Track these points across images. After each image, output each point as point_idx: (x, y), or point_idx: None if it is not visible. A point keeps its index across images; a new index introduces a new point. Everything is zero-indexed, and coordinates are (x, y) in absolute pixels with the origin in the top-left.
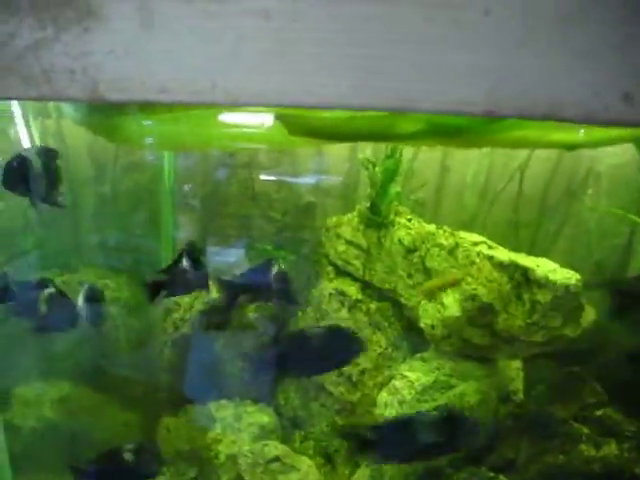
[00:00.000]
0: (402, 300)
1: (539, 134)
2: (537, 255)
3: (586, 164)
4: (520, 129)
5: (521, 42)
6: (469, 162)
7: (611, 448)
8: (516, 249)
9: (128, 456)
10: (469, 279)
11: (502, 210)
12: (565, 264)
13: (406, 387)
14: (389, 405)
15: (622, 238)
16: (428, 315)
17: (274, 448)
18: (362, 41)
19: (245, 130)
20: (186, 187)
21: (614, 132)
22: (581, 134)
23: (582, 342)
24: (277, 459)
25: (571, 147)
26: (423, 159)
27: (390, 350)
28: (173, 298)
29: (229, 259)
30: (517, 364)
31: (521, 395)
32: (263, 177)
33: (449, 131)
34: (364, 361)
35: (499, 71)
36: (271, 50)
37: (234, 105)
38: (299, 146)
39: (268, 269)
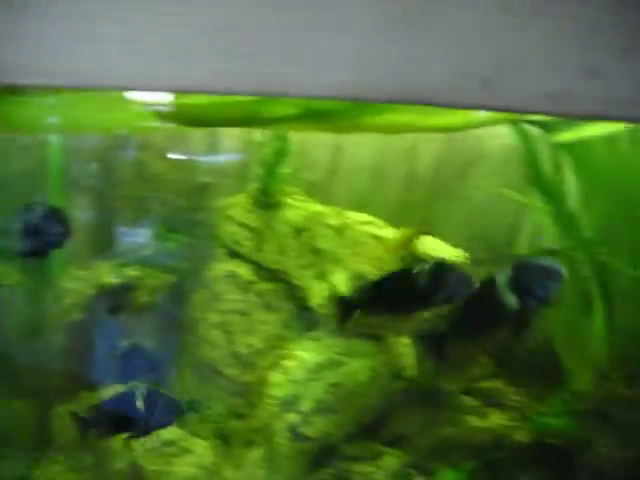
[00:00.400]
0: (293, 280)
1: (414, 118)
2: (429, 234)
3: (476, 144)
4: (395, 113)
5: (387, 28)
6: (362, 143)
7: (496, 418)
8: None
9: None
10: (356, 258)
11: (395, 190)
12: (455, 242)
13: (297, 367)
14: (281, 385)
15: (510, 217)
16: (318, 295)
17: (168, 432)
18: (233, 25)
19: (149, 110)
20: (79, 168)
21: (490, 114)
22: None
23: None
24: (172, 442)
25: (446, 130)
26: (316, 140)
27: (283, 330)
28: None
29: (125, 239)
30: (407, 340)
31: (412, 371)
32: (158, 158)
33: (323, 115)
34: (257, 342)
35: (367, 56)
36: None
37: (101, 89)
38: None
39: None
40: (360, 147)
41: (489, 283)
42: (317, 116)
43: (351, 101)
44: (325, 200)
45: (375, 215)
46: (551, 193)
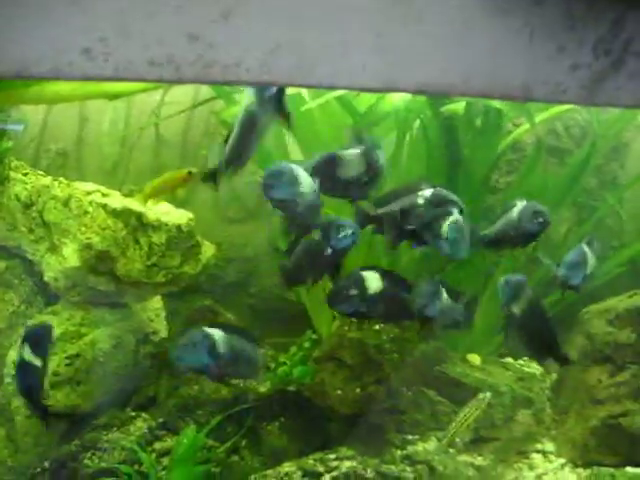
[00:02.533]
0: (28, 256)
1: (72, 87)
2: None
3: (215, 105)
4: (45, 84)
5: None
6: (105, 111)
7: None
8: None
9: None
10: (83, 228)
11: (143, 156)
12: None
13: None
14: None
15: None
16: (51, 268)
17: None
18: None
19: None
20: None
21: None
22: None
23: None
24: None
25: (114, 96)
26: (59, 111)
27: (24, 307)
28: None
29: None
30: (157, 304)
31: (163, 334)
32: None
33: None
34: None
35: None
36: None
37: None
38: None
39: None
40: (105, 114)
41: None
42: None
43: None
44: (76, 170)
45: (128, 180)
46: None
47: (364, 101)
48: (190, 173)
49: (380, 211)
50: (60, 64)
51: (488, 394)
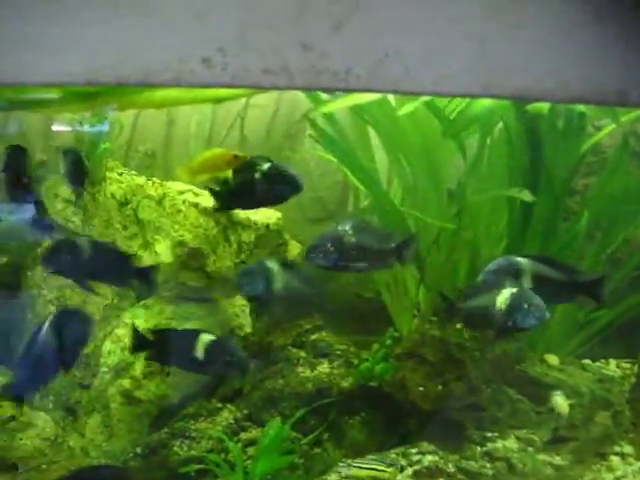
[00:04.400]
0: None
1: (179, 93)
2: None
3: (303, 107)
4: (156, 90)
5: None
6: (192, 113)
7: (324, 367)
8: None
9: None
10: (176, 226)
11: None
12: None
13: (128, 334)
14: (112, 353)
15: (340, 174)
16: (144, 263)
17: (8, 408)
18: None
19: None
20: None
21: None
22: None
23: None
24: (13, 418)
25: (218, 100)
26: (148, 114)
27: (117, 301)
28: None
29: None
30: (243, 300)
31: (247, 329)
32: None
33: (85, 97)
34: (93, 313)
35: (99, 42)
36: None
37: None
38: None
39: None
40: (190, 117)
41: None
42: (79, 98)
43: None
44: (163, 169)
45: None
46: (350, 155)
47: (450, 105)
48: (236, 157)
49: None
50: (182, 73)
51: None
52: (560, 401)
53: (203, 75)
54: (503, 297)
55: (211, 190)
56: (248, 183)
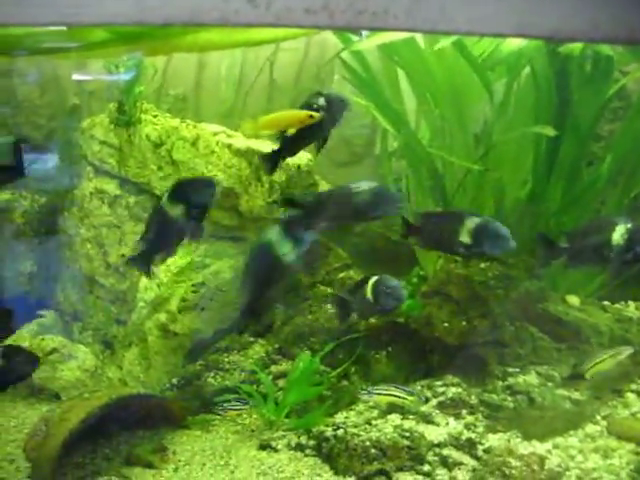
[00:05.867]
0: (156, 192)
1: (220, 36)
2: None
3: (331, 52)
4: (199, 33)
5: None
6: (223, 56)
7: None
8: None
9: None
10: (210, 167)
11: (257, 100)
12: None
13: (163, 271)
14: (149, 289)
15: (368, 117)
16: None
17: (51, 341)
18: None
19: None
20: None
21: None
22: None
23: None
24: (55, 350)
25: (258, 43)
26: (179, 56)
27: None
28: None
29: None
30: None
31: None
32: (26, 83)
33: (132, 38)
34: (128, 252)
35: None
36: None
37: None
38: None
39: None
40: (220, 61)
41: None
42: (126, 39)
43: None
44: (195, 113)
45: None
46: (381, 97)
47: (479, 46)
48: (311, 117)
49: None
50: (227, 12)
51: (630, 349)
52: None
53: (248, 15)
54: (619, 233)
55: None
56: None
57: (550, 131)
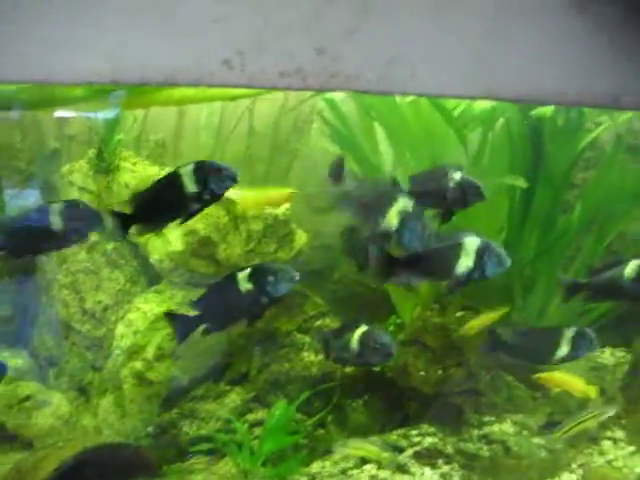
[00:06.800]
0: (134, 239)
1: (195, 92)
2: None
3: (310, 102)
4: (174, 89)
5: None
6: (203, 105)
7: None
8: (251, 183)
9: None
10: None
11: (237, 147)
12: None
13: (140, 318)
14: (125, 336)
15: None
16: (156, 251)
17: (25, 387)
18: None
19: None
20: None
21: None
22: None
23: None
24: (29, 397)
25: (232, 98)
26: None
27: (129, 286)
28: None
29: None
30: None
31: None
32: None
33: (107, 94)
34: (105, 298)
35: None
36: None
37: None
38: None
39: None
40: (200, 109)
41: None
42: (104, 94)
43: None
44: (174, 159)
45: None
46: (356, 147)
47: (453, 102)
48: (292, 193)
49: None
50: (202, 74)
51: (613, 410)
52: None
53: (223, 76)
54: (630, 268)
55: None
56: None
57: (522, 183)
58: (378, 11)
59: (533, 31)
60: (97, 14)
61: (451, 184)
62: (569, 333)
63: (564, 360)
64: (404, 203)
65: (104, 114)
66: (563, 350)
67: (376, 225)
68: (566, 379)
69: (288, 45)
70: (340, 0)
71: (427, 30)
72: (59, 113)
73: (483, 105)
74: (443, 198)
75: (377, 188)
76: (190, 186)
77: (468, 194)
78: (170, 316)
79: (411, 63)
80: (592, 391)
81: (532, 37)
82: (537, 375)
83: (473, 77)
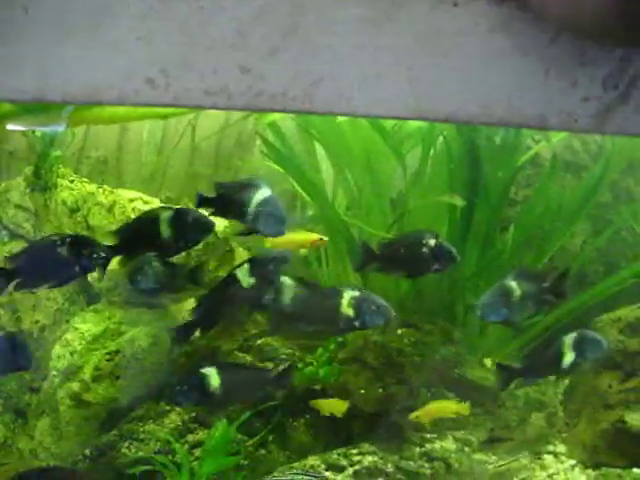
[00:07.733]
0: None
1: (128, 110)
2: None
3: (251, 119)
4: (109, 108)
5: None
6: (144, 121)
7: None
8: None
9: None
10: None
11: (179, 163)
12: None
13: (77, 338)
14: (62, 357)
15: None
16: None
17: None
18: None
19: None
20: None
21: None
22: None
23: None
24: None
25: (164, 117)
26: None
27: (67, 305)
28: None
29: None
30: (192, 305)
31: (196, 333)
32: None
33: (37, 111)
34: (43, 318)
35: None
36: None
37: None
38: None
39: None
40: (143, 124)
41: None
42: (32, 112)
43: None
44: (116, 176)
45: (164, 187)
46: (296, 166)
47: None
48: (321, 239)
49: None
50: (126, 92)
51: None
52: None
53: (147, 95)
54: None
55: None
56: None
57: (458, 201)
58: (305, 30)
59: (462, 51)
60: (20, 30)
61: (425, 250)
62: (569, 340)
63: (573, 367)
64: None
65: (43, 130)
66: (569, 357)
67: None
68: (438, 406)
69: (213, 63)
70: (266, 18)
71: (356, 50)
72: None
73: (421, 124)
74: (415, 265)
75: None
76: (166, 232)
77: (442, 260)
78: None
79: (338, 83)
80: (464, 409)
81: (461, 57)
82: (414, 414)
83: (402, 97)
